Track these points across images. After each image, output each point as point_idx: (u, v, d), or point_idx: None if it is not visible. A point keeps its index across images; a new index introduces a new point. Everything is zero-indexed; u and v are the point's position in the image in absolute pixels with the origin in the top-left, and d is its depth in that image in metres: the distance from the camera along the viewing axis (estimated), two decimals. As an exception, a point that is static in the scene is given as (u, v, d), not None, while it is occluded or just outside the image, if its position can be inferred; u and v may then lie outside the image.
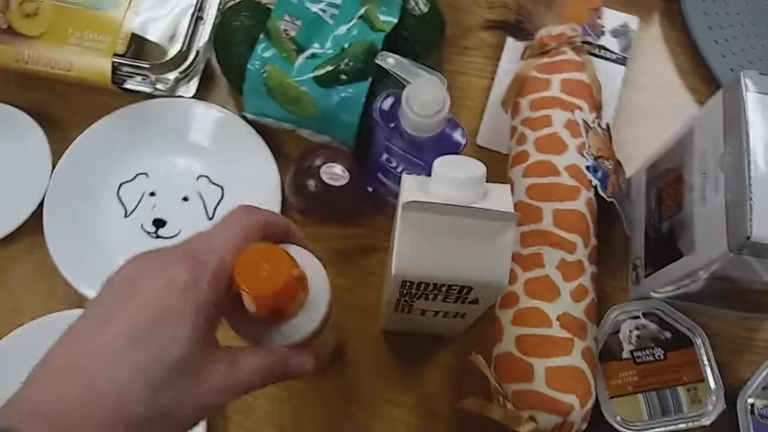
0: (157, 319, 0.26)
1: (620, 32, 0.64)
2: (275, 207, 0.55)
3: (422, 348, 0.53)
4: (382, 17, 0.54)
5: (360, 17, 0.54)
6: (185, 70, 0.58)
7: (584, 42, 0.56)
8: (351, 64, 0.51)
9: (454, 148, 0.46)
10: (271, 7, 0.55)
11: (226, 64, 0.57)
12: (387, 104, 0.47)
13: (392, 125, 0.47)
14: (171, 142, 0.58)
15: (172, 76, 0.57)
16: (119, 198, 0.57)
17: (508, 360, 0.47)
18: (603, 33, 0.63)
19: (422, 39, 0.57)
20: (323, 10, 0.54)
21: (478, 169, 0.37)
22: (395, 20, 0.54)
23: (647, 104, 0.63)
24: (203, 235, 0.30)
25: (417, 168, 0.48)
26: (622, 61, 0.62)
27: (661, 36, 0.65)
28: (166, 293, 0.26)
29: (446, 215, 0.36)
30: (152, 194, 0.58)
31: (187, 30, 0.57)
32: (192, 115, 0.58)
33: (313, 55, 0.53)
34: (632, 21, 0.64)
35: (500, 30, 0.63)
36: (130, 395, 0.24)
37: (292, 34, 0.54)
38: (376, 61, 0.48)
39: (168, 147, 0.58)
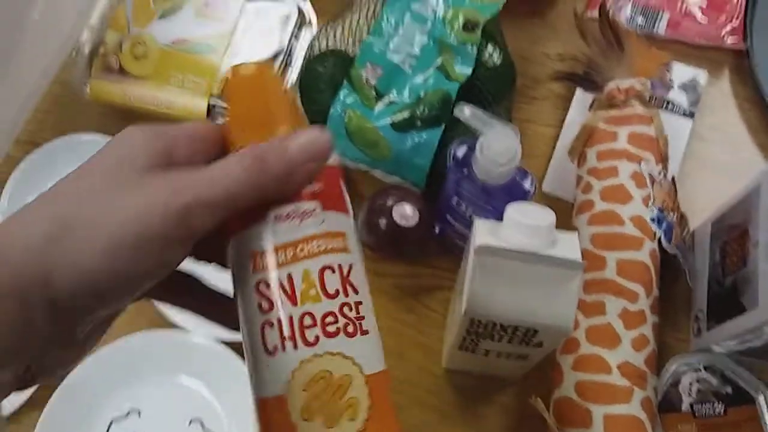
0: (101, 157, 0.27)
1: (689, 86, 0.65)
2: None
3: (483, 388, 0.55)
4: (458, 68, 0.57)
5: (437, 68, 0.57)
6: (273, 111, 0.62)
7: (652, 96, 0.58)
8: (426, 111, 0.55)
9: (522, 196, 0.48)
10: (354, 56, 0.59)
11: (309, 107, 0.61)
12: (461, 151, 0.50)
13: (464, 171, 0.49)
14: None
15: (260, 115, 0.62)
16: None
17: (567, 405, 0.48)
18: (672, 87, 0.65)
19: (494, 89, 0.59)
20: (403, 61, 0.58)
21: (549, 217, 0.39)
22: (470, 71, 0.57)
23: (714, 158, 0.63)
24: None
25: (485, 212, 0.50)
26: (690, 114, 0.63)
27: (730, 91, 0.66)
28: (120, 143, 0.27)
29: (516, 261, 0.38)
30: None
31: (276, 75, 0.62)
32: (275, 152, 0.62)
33: (392, 102, 0.56)
34: (701, 76, 0.65)
35: (569, 81, 0.65)
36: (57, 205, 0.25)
37: (373, 82, 0.57)
38: (455, 114, 0.51)
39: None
